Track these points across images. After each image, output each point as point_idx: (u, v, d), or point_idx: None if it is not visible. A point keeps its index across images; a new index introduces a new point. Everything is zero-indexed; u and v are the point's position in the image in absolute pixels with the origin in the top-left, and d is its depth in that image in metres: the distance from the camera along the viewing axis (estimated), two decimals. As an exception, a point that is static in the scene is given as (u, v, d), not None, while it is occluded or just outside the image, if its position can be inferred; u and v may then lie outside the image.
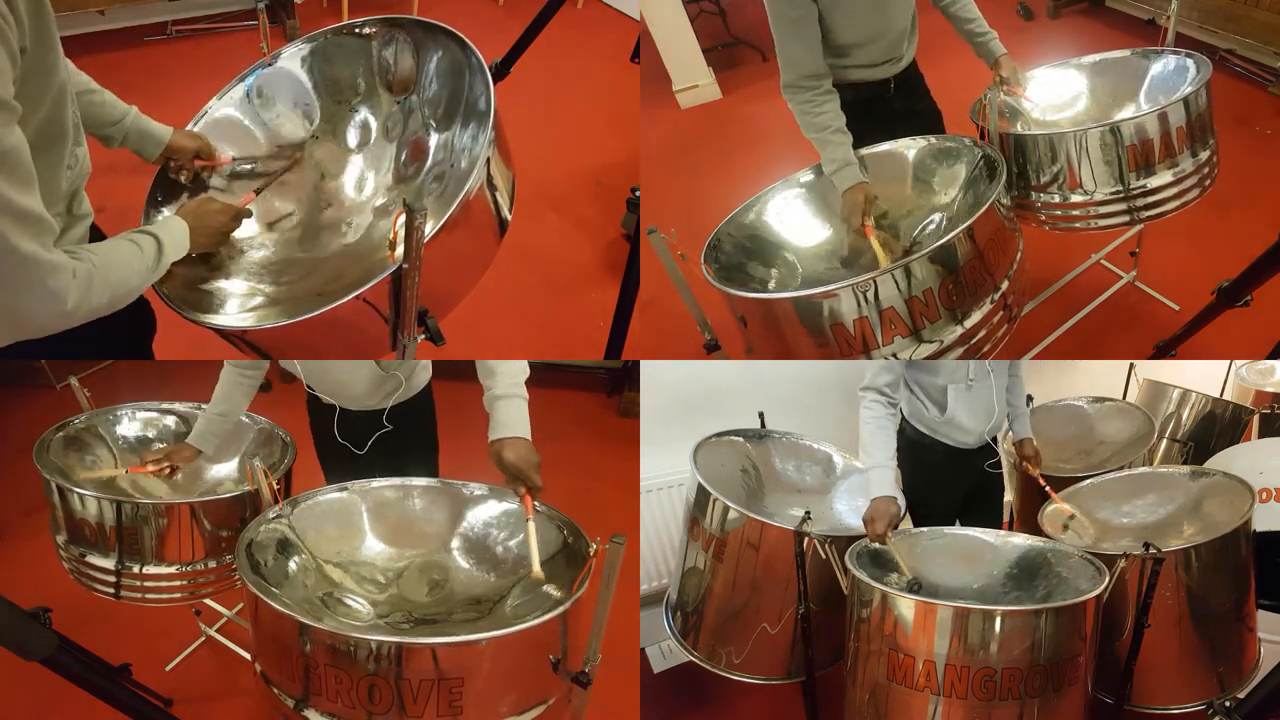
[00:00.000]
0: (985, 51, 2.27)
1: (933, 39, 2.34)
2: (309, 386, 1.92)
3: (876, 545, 1.85)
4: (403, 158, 1.82)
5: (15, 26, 1.06)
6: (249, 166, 1.83)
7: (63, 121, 1.25)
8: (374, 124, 1.85)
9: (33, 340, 1.35)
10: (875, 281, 1.61)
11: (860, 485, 2.29)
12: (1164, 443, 2.81)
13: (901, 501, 1.98)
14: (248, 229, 1.76)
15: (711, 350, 1.99)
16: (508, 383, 1.57)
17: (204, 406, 1.94)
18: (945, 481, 2.19)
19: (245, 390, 1.89)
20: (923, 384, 2.10)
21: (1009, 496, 2.47)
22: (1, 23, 1.02)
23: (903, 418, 2.22)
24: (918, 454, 2.19)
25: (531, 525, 1.50)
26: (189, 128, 1.78)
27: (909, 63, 2.23)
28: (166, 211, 1.70)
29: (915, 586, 1.82)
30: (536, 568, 1.46)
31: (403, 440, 1.92)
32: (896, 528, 1.89)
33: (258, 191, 1.75)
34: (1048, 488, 2.16)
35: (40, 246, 1.11)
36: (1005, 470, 2.30)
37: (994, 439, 2.18)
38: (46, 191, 1.28)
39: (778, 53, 2.07)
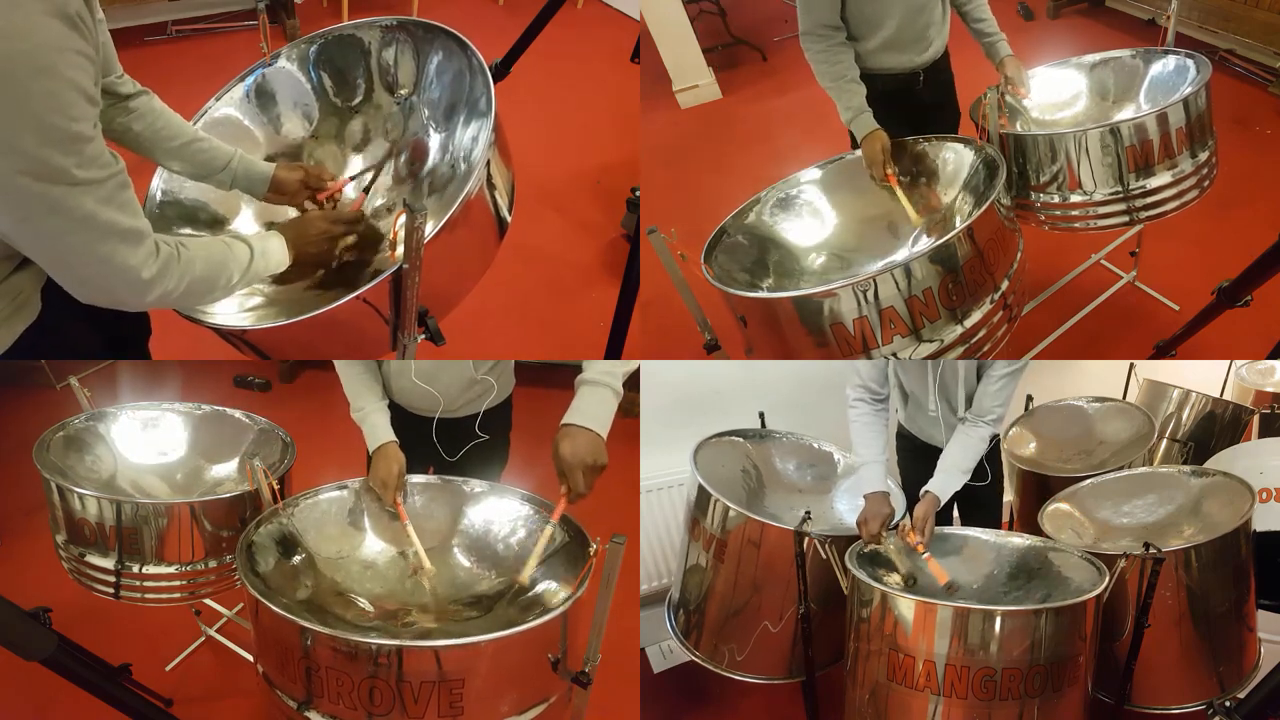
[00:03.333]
0: (992, 51, 2.30)
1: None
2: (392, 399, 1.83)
3: (876, 547, 1.85)
4: (403, 158, 1.82)
5: (90, 29, 1.09)
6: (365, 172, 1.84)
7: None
8: (374, 124, 1.85)
9: (33, 340, 1.35)
10: (875, 281, 1.61)
11: (861, 485, 2.30)
12: (1164, 443, 2.80)
13: (900, 497, 1.98)
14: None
15: (711, 350, 1.99)
16: (601, 370, 1.44)
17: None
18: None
19: (376, 372, 1.75)
20: (904, 385, 2.11)
21: (1009, 496, 2.47)
22: (81, 24, 1.05)
23: (899, 420, 2.23)
24: (911, 450, 2.20)
25: (549, 531, 1.49)
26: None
27: (939, 54, 2.25)
28: (167, 213, 1.70)
29: (911, 582, 1.83)
30: (527, 573, 1.48)
31: (484, 448, 1.88)
32: (894, 525, 1.89)
33: (367, 190, 1.77)
34: (926, 556, 1.86)
35: (123, 214, 1.14)
36: (1005, 470, 2.30)
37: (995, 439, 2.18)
38: None
39: (798, 2, 2.11)
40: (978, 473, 2.01)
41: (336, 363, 1.71)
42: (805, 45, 2.14)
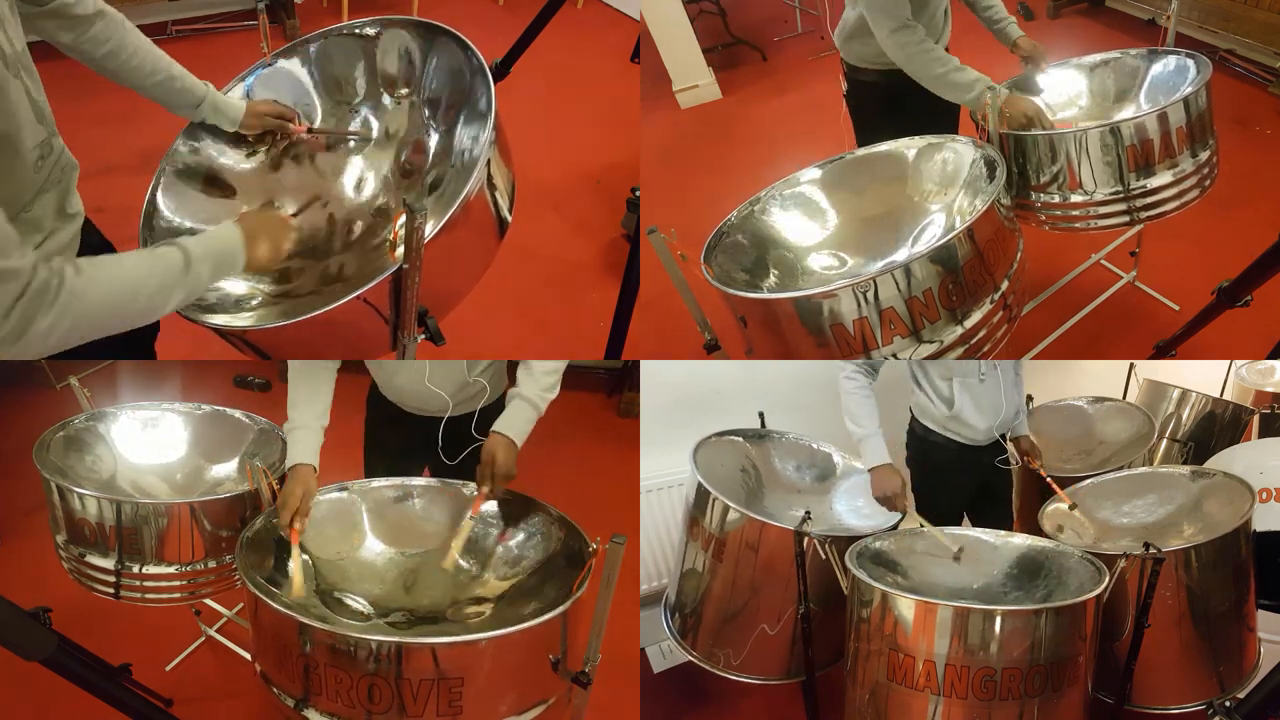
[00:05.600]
0: (1004, 35, 2.35)
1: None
2: (375, 386, 1.88)
3: (900, 517, 1.92)
4: (403, 158, 1.82)
5: None
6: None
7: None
8: (374, 124, 1.85)
9: None
10: (875, 281, 1.61)
11: (861, 485, 2.30)
12: (1164, 443, 2.81)
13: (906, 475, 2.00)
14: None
15: (711, 350, 1.99)
16: (534, 389, 1.67)
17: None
18: (954, 479, 2.19)
19: (329, 380, 1.70)
20: (930, 379, 2.11)
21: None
22: None
23: (912, 415, 2.22)
24: (926, 451, 2.20)
25: (468, 523, 1.64)
26: (188, 128, 1.78)
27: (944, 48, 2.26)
28: (167, 211, 1.70)
29: (959, 554, 1.89)
30: (450, 557, 1.60)
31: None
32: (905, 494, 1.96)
33: (329, 146, 1.80)
34: (1049, 479, 2.16)
35: None
36: (1011, 465, 2.30)
37: (1003, 436, 2.19)
38: (13, 185, 1.26)
39: (873, 7, 2.10)
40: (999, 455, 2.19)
41: (290, 366, 1.65)
42: (898, 42, 2.10)
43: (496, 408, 1.73)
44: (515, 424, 1.65)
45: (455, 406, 1.78)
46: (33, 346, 1.08)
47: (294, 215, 1.80)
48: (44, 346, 1.09)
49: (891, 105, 2.21)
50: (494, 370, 1.84)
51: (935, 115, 2.23)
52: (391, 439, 1.92)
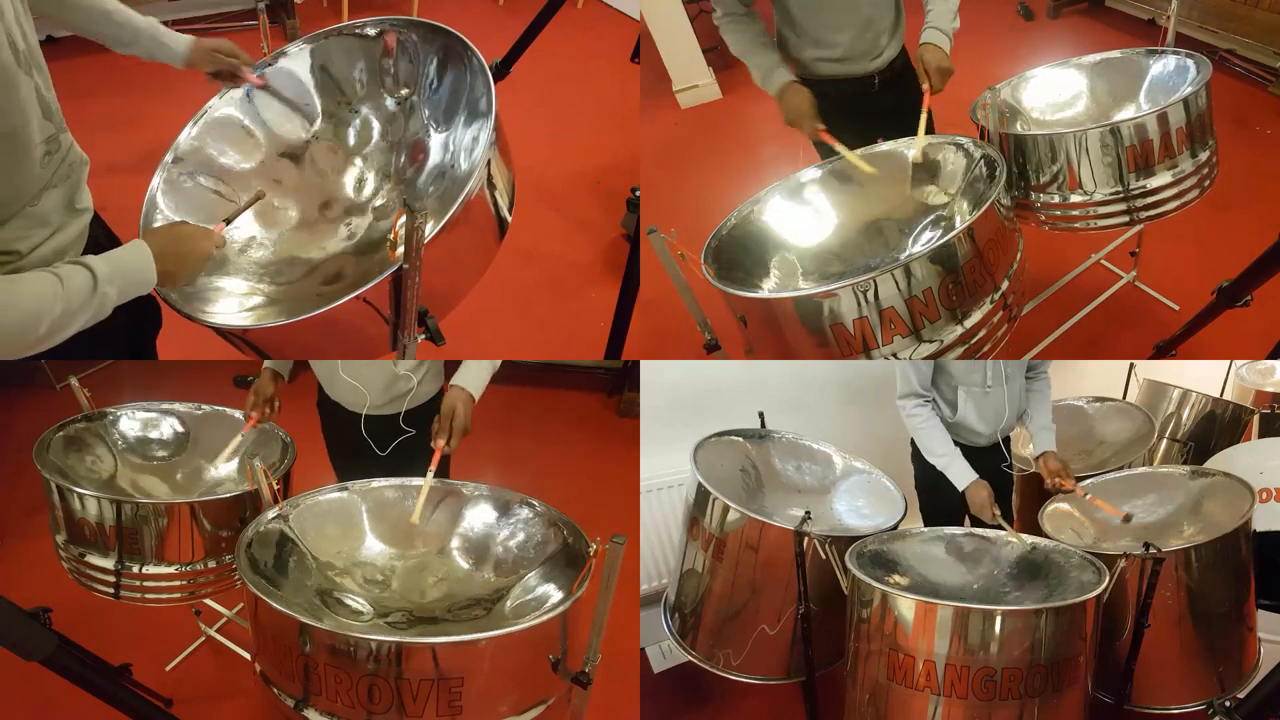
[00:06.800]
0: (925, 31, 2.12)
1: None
2: (320, 388, 1.92)
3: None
4: (403, 158, 1.82)
5: None
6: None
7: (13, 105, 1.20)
8: (374, 124, 1.85)
9: None
10: (875, 281, 1.61)
11: (861, 485, 2.30)
12: (1164, 443, 2.81)
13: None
14: (248, 229, 1.76)
15: (711, 350, 1.99)
16: (479, 360, 1.73)
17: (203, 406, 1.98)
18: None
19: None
20: (936, 383, 2.12)
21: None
22: None
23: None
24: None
25: (429, 480, 1.64)
26: (188, 128, 1.78)
27: (894, 58, 2.25)
28: (168, 210, 1.70)
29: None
30: (416, 515, 1.61)
31: (416, 443, 1.91)
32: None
33: (227, 221, 1.63)
34: (1091, 497, 2.09)
35: None
36: (1014, 471, 2.30)
37: (1005, 438, 2.20)
38: (19, 180, 1.26)
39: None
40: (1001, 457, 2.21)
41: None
42: (720, 24, 2.23)
43: (432, 405, 1.87)
44: (470, 378, 1.71)
45: (389, 403, 1.87)
46: None
47: (293, 215, 1.81)
48: None
49: (843, 110, 2.19)
50: (425, 367, 1.89)
51: (892, 117, 2.19)
52: (336, 438, 2.00)
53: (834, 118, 2.10)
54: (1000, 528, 1.99)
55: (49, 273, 1.23)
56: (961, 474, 2.08)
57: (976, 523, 2.18)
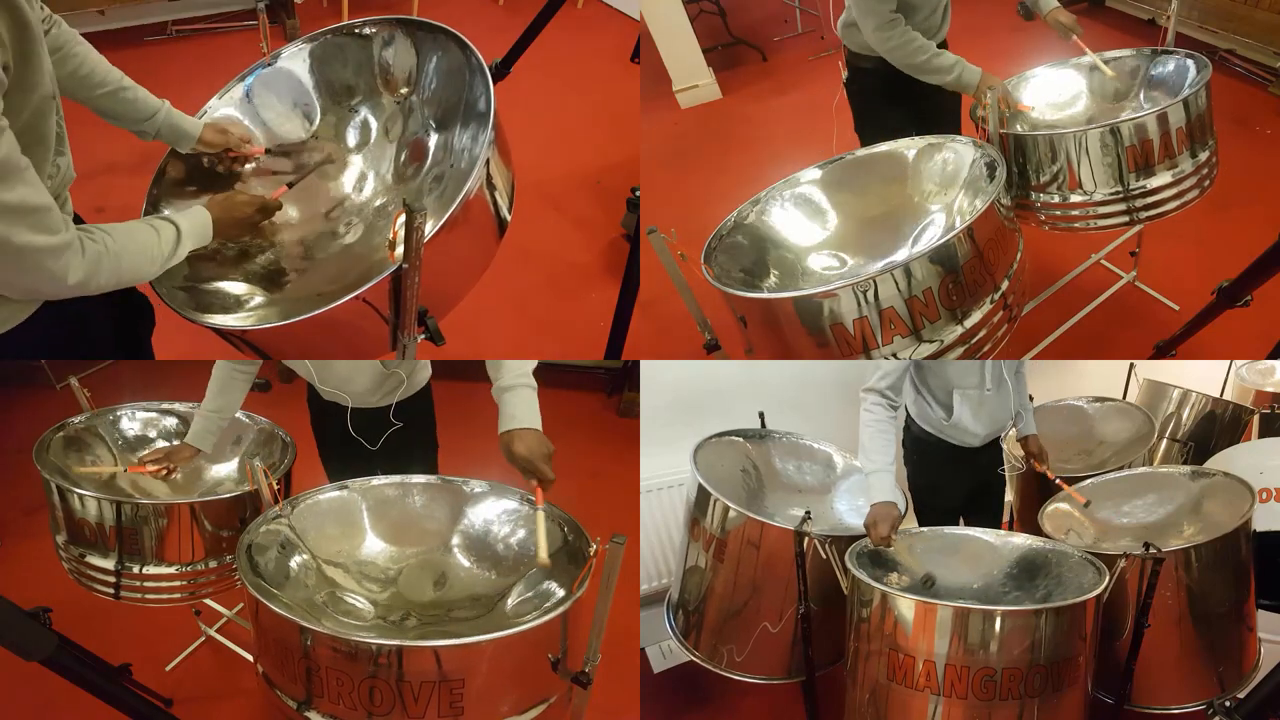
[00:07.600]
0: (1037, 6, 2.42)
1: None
2: (311, 385, 1.92)
3: (880, 548, 1.85)
4: (403, 158, 1.82)
5: None
6: (286, 156, 1.84)
7: (42, 131, 1.26)
8: (374, 124, 1.85)
9: (33, 340, 1.35)
10: (875, 281, 1.61)
11: (861, 485, 2.29)
12: (1164, 443, 2.80)
13: (902, 503, 1.98)
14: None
15: (711, 350, 1.99)
16: (514, 374, 1.55)
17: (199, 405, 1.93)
18: (949, 480, 2.19)
19: (240, 386, 1.87)
20: (930, 386, 2.11)
21: (1009, 496, 2.47)
22: None
23: (908, 416, 2.22)
24: (923, 451, 2.20)
25: (541, 515, 1.47)
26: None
27: (941, 41, 2.28)
28: (167, 211, 1.70)
29: (930, 582, 1.83)
30: (543, 555, 1.42)
31: (404, 438, 1.93)
32: (897, 530, 1.89)
33: (290, 185, 1.77)
34: (1058, 480, 2.16)
35: (37, 234, 1.16)
36: (1006, 470, 2.30)
37: (998, 438, 2.20)
38: None
39: (859, 4, 2.16)
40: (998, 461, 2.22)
41: (215, 365, 1.84)
42: (882, 38, 2.15)
43: (419, 398, 1.90)
44: (521, 412, 1.54)
45: (380, 398, 1.88)
46: (88, 288, 1.29)
47: (293, 215, 1.81)
48: (85, 291, 1.30)
49: (890, 92, 2.22)
50: (412, 362, 1.88)
51: (934, 102, 2.22)
52: (326, 432, 2.00)
53: (876, 98, 2.12)
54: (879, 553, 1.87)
55: (146, 224, 1.41)
56: (880, 489, 1.91)
57: (971, 522, 2.18)
